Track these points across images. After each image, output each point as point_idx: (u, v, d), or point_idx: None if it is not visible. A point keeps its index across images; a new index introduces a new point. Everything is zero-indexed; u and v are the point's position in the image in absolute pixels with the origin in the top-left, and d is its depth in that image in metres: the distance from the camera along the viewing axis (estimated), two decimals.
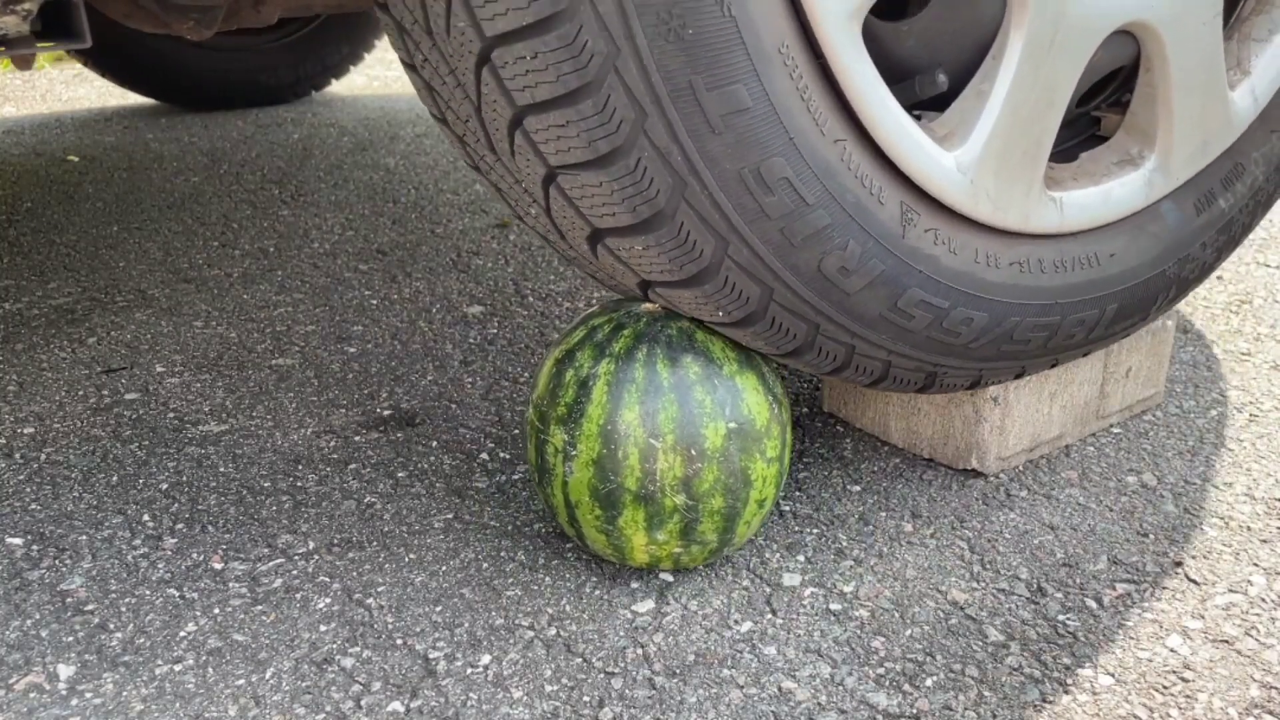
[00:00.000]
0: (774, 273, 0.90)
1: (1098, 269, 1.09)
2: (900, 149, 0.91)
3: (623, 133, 0.81)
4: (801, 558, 1.07)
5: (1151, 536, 1.10)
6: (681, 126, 0.81)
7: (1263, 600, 1.01)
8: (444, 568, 1.05)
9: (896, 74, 0.99)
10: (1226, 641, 0.96)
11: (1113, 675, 0.92)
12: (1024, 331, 1.06)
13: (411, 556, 1.07)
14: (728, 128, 0.82)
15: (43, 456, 1.27)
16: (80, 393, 1.43)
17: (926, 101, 1.01)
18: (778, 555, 1.07)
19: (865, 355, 1.00)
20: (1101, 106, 1.17)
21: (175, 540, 1.10)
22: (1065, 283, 1.07)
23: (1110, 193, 1.08)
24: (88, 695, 0.90)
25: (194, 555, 1.08)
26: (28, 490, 1.20)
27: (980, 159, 0.96)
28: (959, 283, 0.99)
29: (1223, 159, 1.15)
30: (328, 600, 1.01)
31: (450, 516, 1.14)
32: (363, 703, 0.89)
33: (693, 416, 0.91)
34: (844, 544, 1.09)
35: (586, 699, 0.89)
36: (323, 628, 0.97)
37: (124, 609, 1.00)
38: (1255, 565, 1.06)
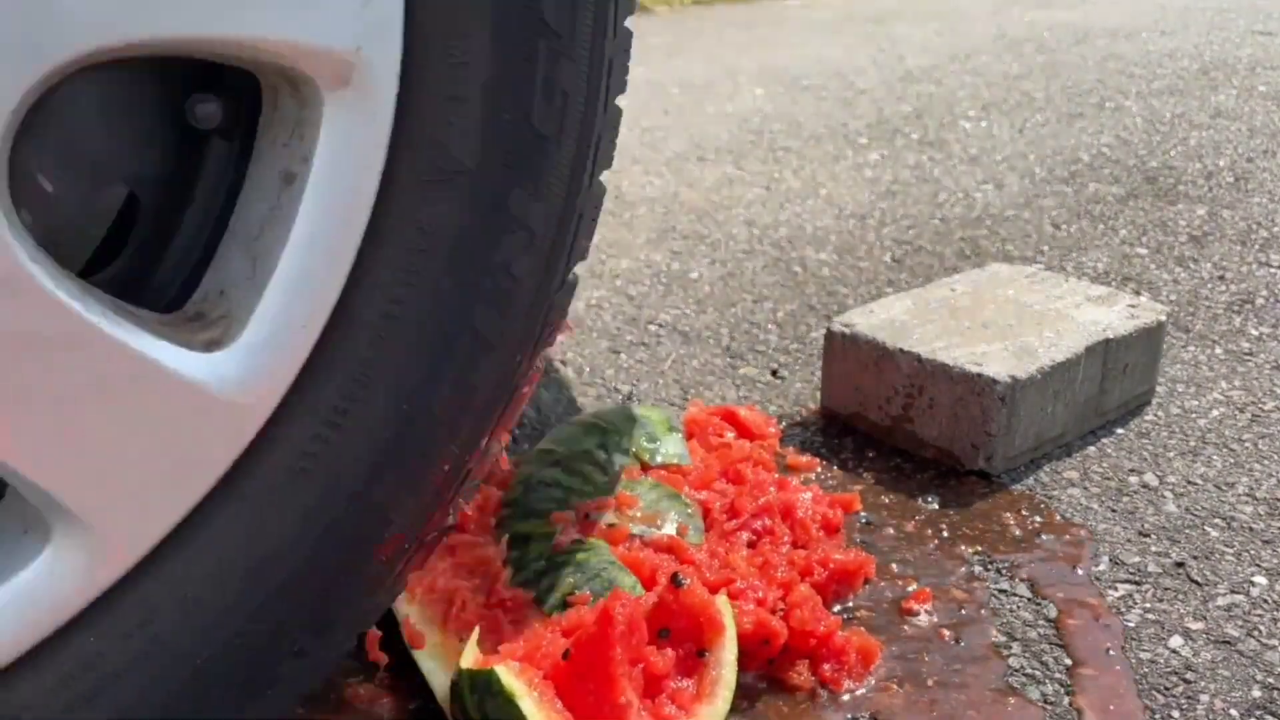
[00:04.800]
0: None
1: None
2: None
3: None
4: None
5: (1153, 537, 1.10)
6: None
7: (1265, 601, 1.01)
8: None
9: None
10: (1228, 642, 0.96)
11: (1114, 676, 0.92)
12: None
13: None
14: None
15: None
16: None
17: None
18: None
19: None
20: None
21: None
22: None
23: None
24: None
25: None
26: None
27: None
28: None
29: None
30: None
31: None
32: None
33: None
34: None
35: None
36: None
37: None
38: (1257, 566, 1.06)
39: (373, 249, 0.67)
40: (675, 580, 0.85)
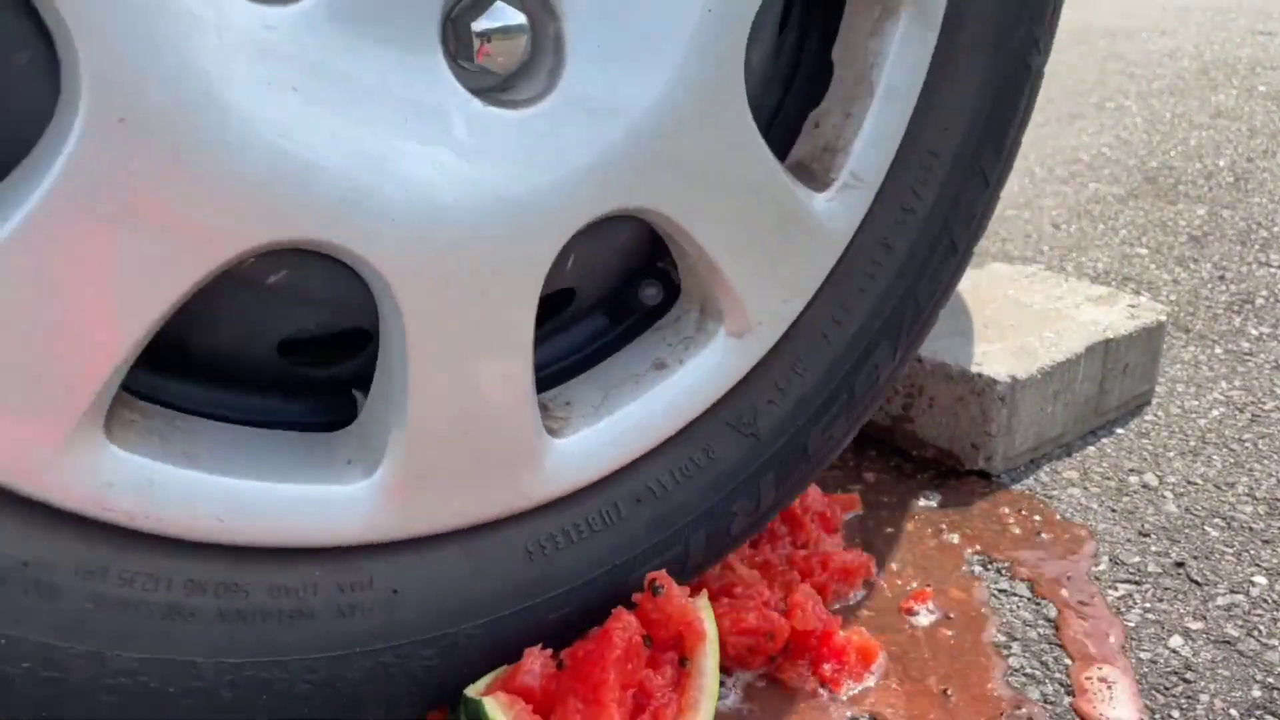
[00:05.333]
0: None
1: None
2: None
3: None
4: None
5: (1153, 537, 1.10)
6: None
7: (1264, 601, 1.01)
8: None
9: None
10: (1228, 642, 0.96)
11: (1114, 676, 0.92)
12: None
13: None
14: None
15: None
16: None
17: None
18: None
19: None
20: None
21: None
22: None
23: None
24: None
25: None
26: None
27: None
28: None
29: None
30: None
31: None
32: None
33: None
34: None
35: None
36: None
37: None
38: (1257, 566, 1.06)
39: (686, 431, 0.86)
40: (653, 588, 0.84)
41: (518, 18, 0.65)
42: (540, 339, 0.84)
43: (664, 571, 0.85)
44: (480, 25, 0.64)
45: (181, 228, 0.59)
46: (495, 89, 0.68)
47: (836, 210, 0.85)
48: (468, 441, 0.73)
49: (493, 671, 0.82)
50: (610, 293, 0.88)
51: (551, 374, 0.85)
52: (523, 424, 0.76)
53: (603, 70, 0.69)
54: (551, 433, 0.79)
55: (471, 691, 0.79)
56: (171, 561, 0.67)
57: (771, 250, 0.82)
